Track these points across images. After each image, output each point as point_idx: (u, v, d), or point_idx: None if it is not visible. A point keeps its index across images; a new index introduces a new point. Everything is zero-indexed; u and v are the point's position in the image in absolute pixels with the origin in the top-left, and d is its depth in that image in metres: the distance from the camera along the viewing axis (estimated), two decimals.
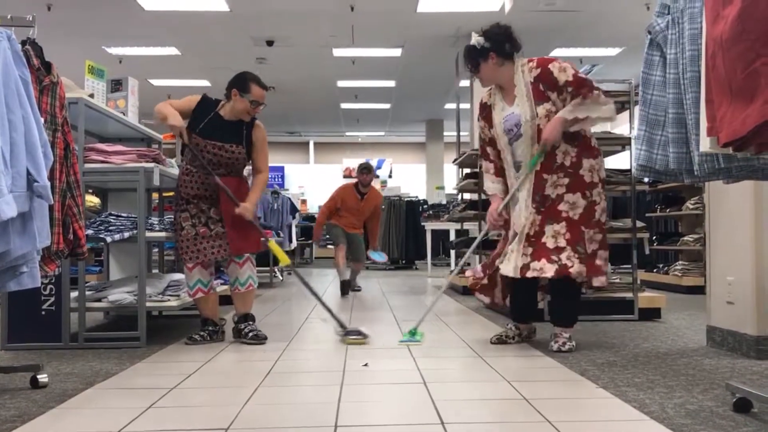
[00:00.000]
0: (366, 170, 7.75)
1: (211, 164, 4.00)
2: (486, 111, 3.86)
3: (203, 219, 4.03)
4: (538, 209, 3.62)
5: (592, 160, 3.66)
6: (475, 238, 7.50)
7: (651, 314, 4.95)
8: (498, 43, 3.69)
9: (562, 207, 3.60)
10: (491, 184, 3.90)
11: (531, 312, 3.96)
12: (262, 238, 4.14)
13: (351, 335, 3.99)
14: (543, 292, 4.01)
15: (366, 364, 3.31)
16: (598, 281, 3.63)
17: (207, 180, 4.00)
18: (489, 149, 3.89)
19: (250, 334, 4.01)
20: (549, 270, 3.50)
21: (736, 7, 1.76)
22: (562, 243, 3.55)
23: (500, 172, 3.87)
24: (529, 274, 3.55)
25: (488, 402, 2.68)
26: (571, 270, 3.49)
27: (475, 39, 3.76)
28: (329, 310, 4.26)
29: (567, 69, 3.61)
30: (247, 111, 4.03)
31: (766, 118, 1.72)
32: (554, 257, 3.52)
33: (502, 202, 3.81)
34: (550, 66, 3.63)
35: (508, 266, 3.63)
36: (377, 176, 19.65)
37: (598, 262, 3.63)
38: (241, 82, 4.02)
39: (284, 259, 4.16)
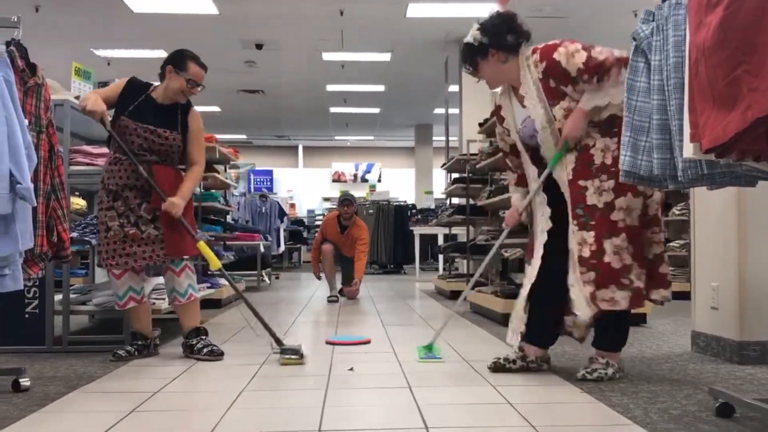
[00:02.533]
0: (346, 202, 7.29)
1: (142, 149, 3.57)
2: (500, 113, 3.29)
3: (132, 218, 3.57)
4: (584, 224, 2.94)
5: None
6: (464, 243, 7.56)
7: (637, 319, 4.96)
8: (497, 36, 3.09)
9: (616, 216, 2.92)
10: (515, 194, 3.34)
11: (551, 335, 3.22)
12: (197, 239, 3.65)
13: (287, 354, 3.49)
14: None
15: (351, 369, 3.30)
16: (659, 294, 3.02)
17: (137, 169, 3.56)
18: (509, 160, 3.33)
19: (205, 350, 3.57)
20: (622, 299, 2.89)
21: (718, 15, 1.77)
22: (627, 260, 2.91)
23: (521, 180, 3.32)
24: (602, 306, 2.89)
25: (472, 406, 2.68)
26: (646, 293, 2.95)
27: (472, 34, 3.14)
28: (265, 325, 3.71)
29: (577, 53, 2.96)
30: (183, 90, 3.63)
31: (747, 125, 1.73)
32: (625, 280, 2.90)
33: (518, 209, 3.28)
34: (554, 55, 2.98)
35: (580, 305, 2.92)
36: (372, 187, 19.69)
37: (662, 269, 3.03)
38: (178, 59, 3.66)
39: (215, 263, 3.67)
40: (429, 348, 3.65)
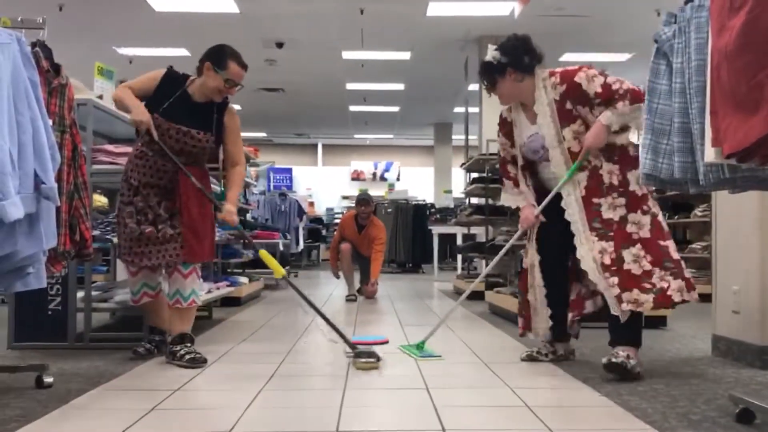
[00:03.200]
0: (363, 202, 7.32)
1: (173, 151, 3.42)
2: (507, 128, 3.54)
3: (150, 216, 3.45)
4: (603, 236, 3.18)
5: (635, 171, 3.15)
6: (482, 243, 7.54)
7: (657, 322, 4.93)
8: (516, 57, 3.34)
9: (630, 229, 3.18)
10: (517, 197, 3.53)
11: (565, 328, 3.51)
12: (257, 248, 3.66)
13: (362, 358, 3.38)
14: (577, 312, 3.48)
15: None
16: (690, 296, 3.15)
17: (164, 167, 3.45)
18: (510, 167, 3.55)
19: (187, 357, 3.37)
20: (646, 301, 3.08)
21: (741, 19, 1.76)
22: (647, 266, 3.12)
23: (518, 185, 3.54)
24: (624, 307, 3.09)
25: (490, 408, 2.68)
26: (671, 293, 3.08)
27: (491, 54, 3.38)
28: (336, 329, 3.63)
29: (596, 78, 3.24)
30: (220, 90, 3.46)
31: None
32: (647, 284, 3.09)
33: (536, 208, 3.44)
34: (576, 78, 3.25)
35: (613, 307, 3.13)
36: (391, 185, 19.70)
37: (687, 274, 3.19)
38: (218, 56, 3.46)
39: (279, 271, 3.62)
40: (420, 347, 3.73)
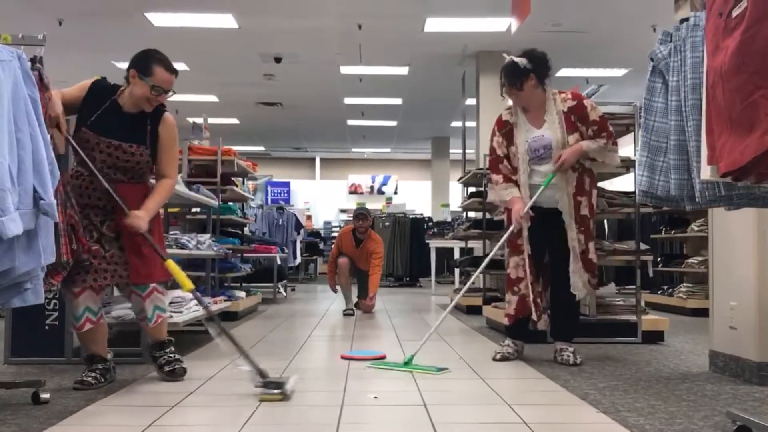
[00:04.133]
0: (361, 216, 7.33)
1: (106, 166, 3.22)
2: (507, 128, 4.01)
3: (95, 235, 3.24)
4: (579, 229, 3.90)
5: (595, 190, 4.06)
6: (480, 257, 7.54)
7: (654, 337, 4.93)
8: (540, 67, 3.91)
9: (591, 226, 3.99)
10: (507, 190, 3.96)
11: (528, 329, 4.12)
12: (165, 258, 3.28)
13: (268, 388, 3.03)
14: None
15: (376, 397, 3.13)
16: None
17: (100, 186, 3.22)
18: (501, 166, 4.00)
19: (166, 368, 3.36)
20: (596, 285, 4.09)
21: (736, 40, 1.78)
22: (594, 258, 4.00)
23: (510, 180, 3.99)
24: (589, 289, 4.01)
25: (488, 426, 2.67)
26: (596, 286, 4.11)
27: (518, 59, 3.89)
28: (246, 356, 3.18)
29: (596, 109, 3.97)
30: (147, 98, 3.24)
31: (765, 149, 1.73)
32: (596, 271, 4.01)
33: (525, 204, 3.89)
34: (584, 101, 3.97)
35: (577, 287, 3.91)
36: (389, 199, 19.71)
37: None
38: (143, 62, 3.24)
39: (187, 285, 3.24)
40: (408, 363, 3.76)
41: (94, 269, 3.20)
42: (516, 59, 3.90)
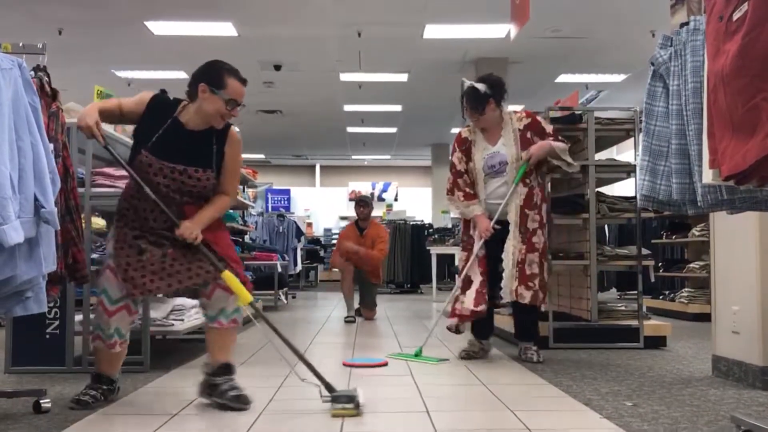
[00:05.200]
0: (362, 203, 7.55)
1: (171, 190, 2.96)
2: (466, 145, 4.37)
3: (165, 242, 3.03)
4: (522, 239, 4.19)
5: (545, 205, 4.39)
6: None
7: (657, 342, 4.92)
8: (497, 91, 4.29)
9: (535, 239, 4.21)
10: (469, 207, 4.31)
11: (492, 330, 4.57)
12: (220, 269, 2.98)
13: (340, 402, 2.88)
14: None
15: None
16: (544, 305, 4.29)
17: (160, 216, 2.99)
18: (461, 181, 4.36)
19: (231, 393, 2.96)
20: (527, 296, 4.13)
21: (737, 44, 1.78)
22: (536, 270, 4.18)
23: (471, 197, 4.32)
24: (520, 299, 4.13)
25: None
26: (541, 298, 4.18)
27: (478, 85, 4.27)
28: (312, 368, 3.04)
29: (548, 125, 4.40)
30: (221, 114, 2.96)
31: (767, 153, 1.73)
32: (531, 284, 4.15)
33: (488, 221, 4.23)
34: (538, 118, 4.41)
35: (506, 293, 4.19)
36: (389, 206, 19.70)
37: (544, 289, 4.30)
38: (214, 74, 2.95)
39: (245, 297, 2.97)
40: (418, 354, 4.35)
41: (176, 271, 2.96)
42: (476, 85, 4.26)
